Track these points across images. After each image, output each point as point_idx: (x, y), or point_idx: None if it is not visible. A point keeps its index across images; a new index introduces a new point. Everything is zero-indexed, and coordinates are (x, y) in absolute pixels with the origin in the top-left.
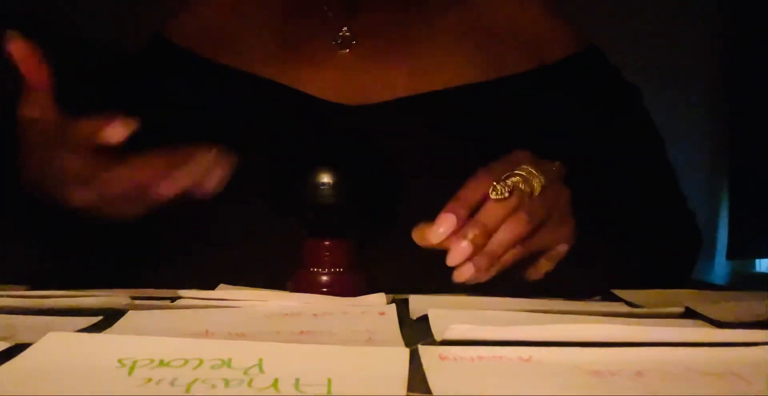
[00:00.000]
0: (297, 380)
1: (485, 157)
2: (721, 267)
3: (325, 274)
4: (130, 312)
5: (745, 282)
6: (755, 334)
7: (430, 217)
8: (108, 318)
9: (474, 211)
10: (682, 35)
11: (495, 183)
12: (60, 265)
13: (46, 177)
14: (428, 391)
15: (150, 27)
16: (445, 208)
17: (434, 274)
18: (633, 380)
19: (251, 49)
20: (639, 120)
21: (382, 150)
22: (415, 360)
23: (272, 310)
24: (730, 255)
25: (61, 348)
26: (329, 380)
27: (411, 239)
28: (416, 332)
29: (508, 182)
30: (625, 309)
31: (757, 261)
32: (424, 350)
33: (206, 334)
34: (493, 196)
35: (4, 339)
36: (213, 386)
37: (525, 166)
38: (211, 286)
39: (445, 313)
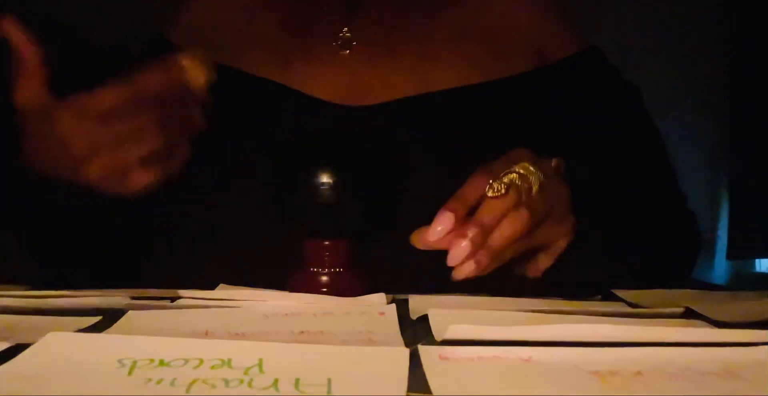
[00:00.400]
0: (297, 380)
1: (485, 157)
2: (721, 267)
3: (325, 274)
4: (130, 312)
5: (745, 282)
6: (755, 334)
7: (430, 217)
8: (108, 318)
9: (473, 209)
10: (683, 35)
11: (491, 181)
12: (60, 265)
13: (51, 159)
14: (428, 391)
15: (150, 27)
16: (444, 207)
17: (434, 274)
18: (633, 380)
19: (251, 49)
20: (639, 120)
21: (382, 150)
22: (415, 360)
23: (272, 310)
24: (730, 255)
25: (61, 348)
26: (329, 380)
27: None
28: (416, 332)
29: (505, 180)
30: (625, 309)
31: (757, 261)
32: (424, 350)
33: (206, 334)
34: (489, 194)
35: (4, 339)
36: (213, 386)
37: (523, 164)
38: (211, 286)
39: (445, 313)
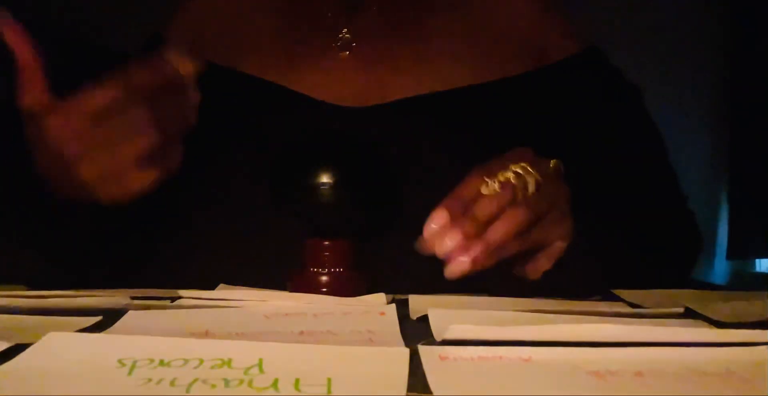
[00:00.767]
0: (297, 380)
1: (486, 157)
2: (721, 267)
3: (325, 274)
4: (130, 312)
5: (745, 282)
6: (755, 334)
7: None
8: (108, 318)
9: (470, 208)
10: (683, 35)
11: (486, 178)
12: (60, 264)
13: (48, 163)
14: (428, 391)
15: (150, 27)
16: (439, 205)
17: (434, 274)
18: (633, 380)
19: (251, 51)
20: (639, 120)
21: (382, 150)
22: (415, 360)
23: (272, 310)
24: (730, 255)
25: (61, 348)
26: (329, 380)
27: (411, 239)
28: (416, 332)
29: (500, 178)
30: (625, 309)
31: (757, 261)
32: (424, 350)
33: (206, 334)
34: (483, 191)
35: (4, 339)
36: (213, 386)
37: (520, 164)
38: (211, 286)
39: (445, 313)
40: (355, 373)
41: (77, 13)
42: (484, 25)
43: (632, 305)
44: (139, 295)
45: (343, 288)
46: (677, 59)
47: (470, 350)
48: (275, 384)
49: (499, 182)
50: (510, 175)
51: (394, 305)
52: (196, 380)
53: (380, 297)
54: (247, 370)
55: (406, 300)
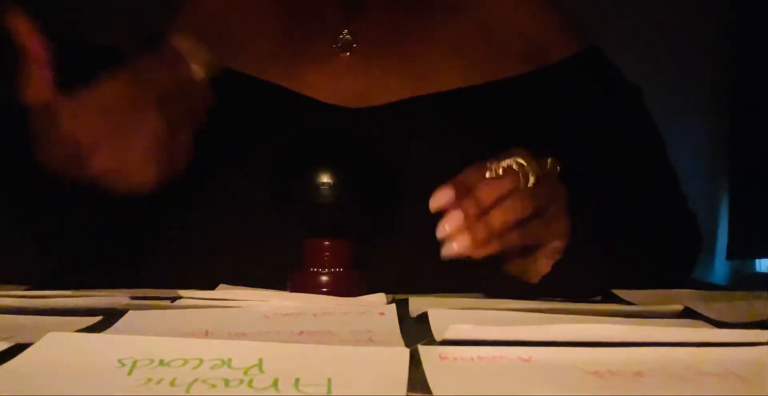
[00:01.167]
0: (297, 380)
1: (485, 158)
2: (721, 267)
3: (325, 274)
4: (130, 312)
5: (745, 282)
6: (755, 334)
7: (431, 217)
8: (108, 318)
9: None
10: (683, 35)
11: (489, 164)
12: (61, 263)
13: (58, 157)
14: (428, 391)
15: (150, 28)
16: (441, 187)
17: (434, 274)
18: (633, 380)
19: (251, 51)
20: (640, 120)
21: (382, 151)
22: (415, 360)
23: (272, 310)
24: (730, 255)
25: (61, 348)
26: (329, 380)
27: (411, 239)
28: (416, 332)
29: (503, 164)
30: (625, 309)
31: (757, 261)
32: (424, 350)
33: (206, 334)
34: (487, 174)
35: (4, 339)
36: (213, 386)
37: (522, 156)
38: (211, 286)
39: (445, 313)
40: (355, 373)
41: (77, 13)
42: (484, 26)
43: (632, 305)
44: (139, 295)
45: (343, 288)
46: (677, 59)
47: (470, 350)
48: (275, 384)
49: (503, 168)
50: (512, 162)
51: (394, 305)
52: (196, 380)
53: (380, 297)
54: (247, 370)
55: (406, 300)
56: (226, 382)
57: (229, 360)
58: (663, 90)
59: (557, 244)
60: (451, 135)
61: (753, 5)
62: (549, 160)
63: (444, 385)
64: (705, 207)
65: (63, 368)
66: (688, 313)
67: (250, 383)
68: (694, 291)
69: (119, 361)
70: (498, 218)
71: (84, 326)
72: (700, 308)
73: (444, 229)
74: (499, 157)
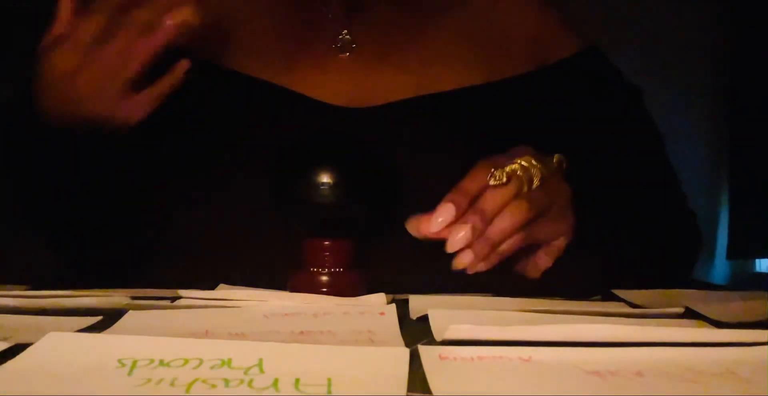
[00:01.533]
0: (297, 380)
1: (485, 158)
2: (721, 267)
3: (325, 274)
4: (130, 312)
5: (745, 282)
6: (755, 334)
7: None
8: (108, 318)
9: (474, 201)
10: (683, 35)
11: (493, 169)
12: (60, 262)
13: (53, 98)
14: (428, 391)
15: None
16: (445, 198)
17: (434, 274)
18: (633, 380)
19: (251, 52)
20: (640, 120)
21: (383, 150)
22: (415, 360)
23: (272, 310)
24: (730, 255)
25: (61, 348)
26: (329, 380)
27: (411, 239)
28: (416, 332)
29: (507, 169)
30: (625, 309)
31: (757, 261)
32: (424, 350)
33: (206, 334)
34: (491, 182)
35: (4, 339)
36: (213, 386)
37: (526, 157)
38: (211, 286)
39: (445, 313)
40: (355, 373)
41: None
42: (485, 26)
43: (632, 305)
44: (139, 295)
45: (343, 288)
46: (677, 60)
47: (470, 350)
48: (275, 384)
49: (506, 173)
50: (517, 167)
51: (394, 305)
52: (196, 380)
53: (380, 297)
54: (247, 370)
55: (406, 300)
56: (226, 382)
57: (229, 360)
58: (663, 90)
59: (560, 242)
60: (452, 135)
61: (753, 5)
62: (555, 158)
63: (444, 385)
64: (705, 207)
65: (63, 368)
66: (688, 313)
67: (250, 383)
68: (694, 291)
69: (119, 361)
70: (499, 228)
71: (84, 326)
72: (700, 308)
73: (453, 245)
74: (504, 160)
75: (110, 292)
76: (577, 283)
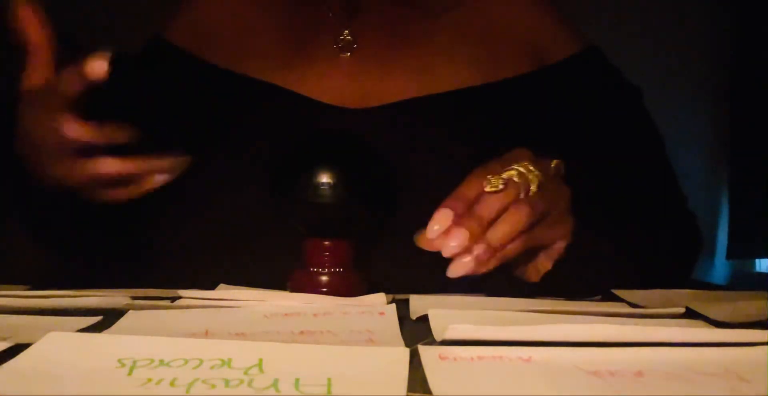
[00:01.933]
0: (297, 380)
1: (486, 158)
2: (721, 267)
3: (325, 274)
4: (130, 312)
5: (745, 282)
6: (755, 334)
7: (430, 216)
8: (108, 318)
9: (472, 208)
10: (683, 35)
11: (489, 176)
12: (60, 262)
13: (42, 151)
14: (428, 391)
15: (150, 28)
16: (442, 205)
17: (434, 274)
18: (633, 380)
19: (252, 52)
20: (639, 120)
21: (383, 151)
22: (415, 360)
23: (272, 310)
24: (730, 255)
25: (61, 348)
26: (329, 380)
27: (411, 239)
28: (416, 332)
29: (503, 176)
30: (625, 309)
31: (757, 261)
32: (424, 350)
33: (206, 334)
34: (487, 189)
35: (4, 339)
36: (213, 386)
37: (523, 163)
38: (211, 286)
39: (445, 313)
40: (355, 373)
41: (76, 14)
42: (485, 27)
43: (632, 305)
44: (139, 295)
45: (343, 288)
46: (677, 59)
47: (470, 350)
48: (275, 384)
49: (503, 180)
50: (513, 173)
51: (394, 305)
52: (196, 380)
53: (380, 297)
54: (247, 370)
55: (406, 300)
56: (226, 382)
57: (229, 360)
58: (663, 89)
59: (560, 245)
60: (452, 135)
61: (753, 5)
62: (554, 162)
63: (444, 385)
64: (705, 207)
65: (63, 368)
66: (688, 313)
67: (250, 383)
68: (694, 291)
69: (119, 361)
70: (499, 233)
71: (84, 326)
72: (700, 308)
73: (449, 249)
74: (501, 165)
75: (110, 292)
76: (577, 283)
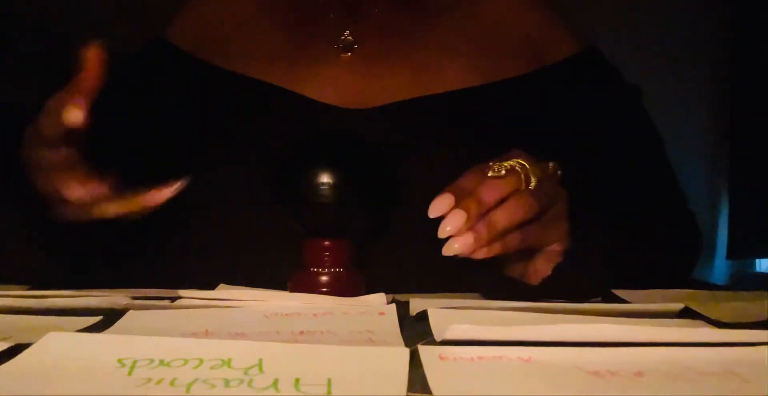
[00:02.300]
0: (297, 380)
1: (485, 159)
2: (721, 267)
3: (325, 274)
4: (130, 312)
5: (745, 282)
6: (755, 334)
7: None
8: (108, 318)
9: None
10: (683, 35)
11: (491, 163)
12: (59, 262)
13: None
14: (428, 391)
15: (151, 28)
16: (441, 193)
17: (434, 274)
18: (633, 380)
19: (252, 53)
20: (639, 121)
21: (383, 151)
22: (415, 360)
23: (272, 310)
24: (730, 255)
25: (61, 348)
26: (329, 380)
27: (411, 239)
28: (416, 332)
29: (506, 164)
30: (626, 309)
31: (757, 261)
32: (424, 350)
33: (206, 334)
34: (489, 174)
35: (4, 339)
36: (213, 386)
37: (522, 160)
38: (211, 286)
39: (445, 313)
40: (355, 373)
41: (77, 15)
42: (485, 27)
43: (632, 305)
44: (139, 295)
45: (343, 288)
46: (677, 60)
47: (470, 350)
48: (275, 384)
49: (505, 167)
50: (514, 163)
51: (394, 305)
52: (196, 380)
53: (380, 297)
54: (247, 370)
55: (406, 300)
56: (226, 382)
57: (229, 360)
58: (663, 90)
59: (557, 247)
60: (452, 136)
61: (753, 5)
62: (550, 165)
63: (444, 385)
64: (705, 207)
65: (63, 368)
66: (687, 313)
67: (250, 383)
68: (694, 291)
69: (119, 361)
70: (500, 218)
71: (84, 326)
72: (699, 308)
73: (445, 228)
74: (501, 158)
75: (110, 292)
76: (577, 285)
